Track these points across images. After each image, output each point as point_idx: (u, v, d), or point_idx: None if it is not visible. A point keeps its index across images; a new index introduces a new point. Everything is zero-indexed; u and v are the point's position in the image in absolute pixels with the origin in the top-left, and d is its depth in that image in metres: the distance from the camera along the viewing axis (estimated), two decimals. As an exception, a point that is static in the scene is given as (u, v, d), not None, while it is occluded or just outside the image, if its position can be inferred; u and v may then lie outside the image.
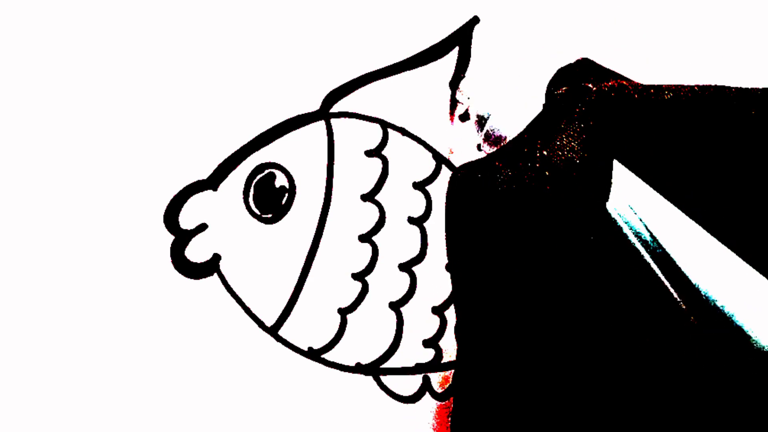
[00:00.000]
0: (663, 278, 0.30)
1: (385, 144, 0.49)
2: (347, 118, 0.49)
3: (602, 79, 0.36)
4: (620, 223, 0.32)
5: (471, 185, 0.34)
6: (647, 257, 0.31)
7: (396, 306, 0.49)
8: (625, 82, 0.36)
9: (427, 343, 0.50)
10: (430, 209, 0.50)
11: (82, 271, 0.45)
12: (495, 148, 0.40)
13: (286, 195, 0.48)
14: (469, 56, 0.50)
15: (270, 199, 0.48)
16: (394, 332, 0.49)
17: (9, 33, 0.44)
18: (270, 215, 0.48)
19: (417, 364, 0.50)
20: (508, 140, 0.39)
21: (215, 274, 0.47)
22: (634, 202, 0.32)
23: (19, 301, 0.44)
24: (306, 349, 0.48)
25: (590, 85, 0.35)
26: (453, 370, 0.50)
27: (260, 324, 0.48)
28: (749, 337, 0.29)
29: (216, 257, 0.47)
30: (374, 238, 0.49)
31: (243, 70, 0.47)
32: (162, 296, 0.46)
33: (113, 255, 0.46)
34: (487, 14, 0.51)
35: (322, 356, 0.48)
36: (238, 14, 0.47)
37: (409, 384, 0.49)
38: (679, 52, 0.52)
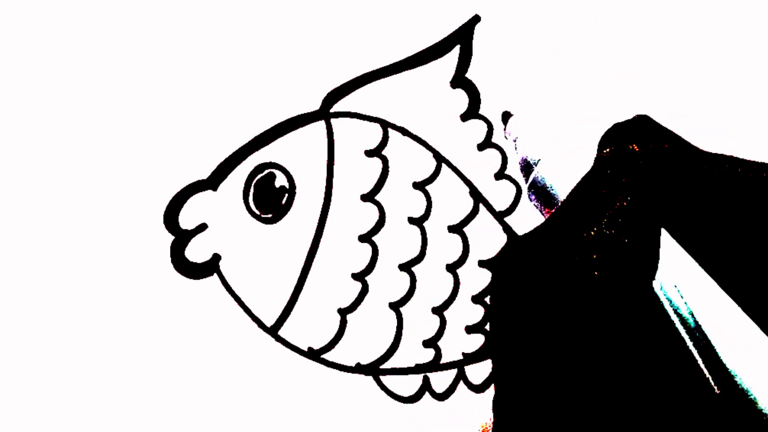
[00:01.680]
0: (702, 365, 0.30)
1: (385, 144, 0.49)
2: (347, 118, 0.49)
3: (656, 140, 0.35)
4: (664, 302, 0.31)
5: (517, 264, 0.33)
6: (688, 341, 0.30)
7: (396, 306, 0.49)
8: (681, 146, 0.34)
9: (427, 343, 0.50)
10: (430, 209, 0.50)
11: (82, 271, 0.45)
12: (540, 200, 0.39)
13: (286, 195, 0.48)
14: (471, 55, 0.50)
15: (270, 199, 0.48)
16: (394, 332, 0.49)
17: (9, 33, 0.44)
18: (270, 215, 0.48)
19: (417, 364, 0.50)
20: (555, 195, 0.38)
21: (215, 274, 0.47)
22: (679, 281, 0.31)
23: (20, 301, 0.44)
24: (306, 349, 0.48)
25: (637, 149, 0.34)
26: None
27: (260, 324, 0.48)
28: None
29: (216, 257, 0.47)
30: (374, 238, 0.49)
31: (243, 70, 0.47)
32: (162, 296, 0.46)
33: (113, 255, 0.46)
34: (488, 14, 0.50)
35: (322, 356, 0.48)
36: (238, 14, 0.47)
37: (409, 384, 0.49)
38: (679, 51, 0.52)
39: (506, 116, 0.45)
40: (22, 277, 0.44)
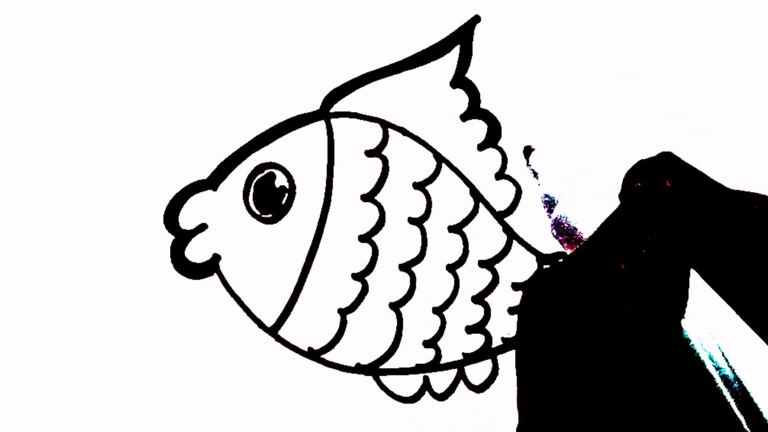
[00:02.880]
0: (735, 408, 0.29)
1: (385, 144, 0.49)
2: (347, 118, 0.49)
3: (682, 177, 0.35)
4: (694, 343, 0.31)
5: (547, 296, 0.33)
6: (720, 383, 0.30)
7: (396, 306, 0.49)
8: (708, 183, 0.34)
9: (427, 343, 0.50)
10: (430, 209, 0.50)
11: (82, 271, 0.45)
12: (563, 236, 0.39)
13: (286, 195, 0.48)
14: (471, 55, 0.50)
15: (270, 199, 0.48)
16: (394, 332, 0.49)
17: (9, 33, 0.44)
18: (270, 215, 0.48)
19: (417, 364, 0.50)
20: (578, 232, 0.38)
21: (215, 274, 0.47)
22: (709, 322, 0.31)
23: (20, 301, 0.44)
24: (306, 349, 0.48)
25: (669, 185, 0.33)
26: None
27: (260, 324, 0.48)
28: None
29: (216, 257, 0.47)
30: (374, 238, 0.49)
31: (243, 70, 0.47)
32: (162, 296, 0.46)
33: (113, 255, 0.46)
34: (488, 14, 0.50)
35: (322, 356, 0.48)
36: (239, 15, 0.47)
37: (409, 384, 0.49)
38: (679, 51, 0.52)
39: (528, 151, 0.45)
40: (22, 277, 0.44)
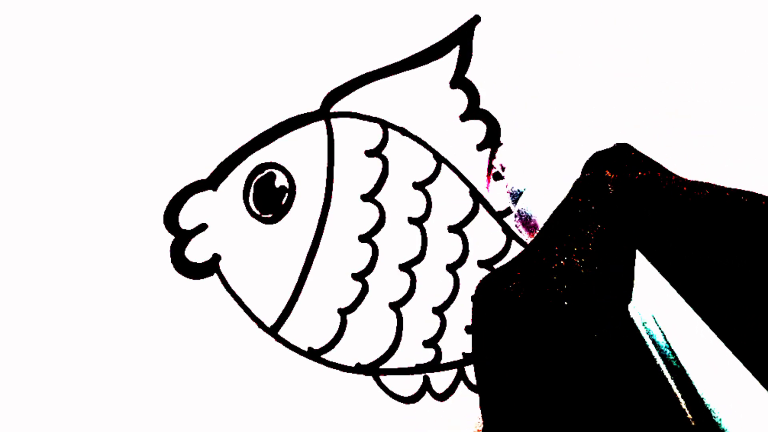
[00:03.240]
0: (677, 393, 0.30)
1: (385, 144, 0.49)
2: (347, 118, 0.49)
3: (636, 168, 0.35)
4: (640, 327, 0.31)
5: (493, 296, 0.33)
6: (663, 367, 0.30)
7: (396, 306, 0.49)
8: (658, 173, 0.34)
9: (427, 343, 0.50)
10: (430, 209, 0.50)
11: (82, 271, 0.45)
12: (525, 228, 0.39)
13: (286, 195, 0.48)
14: (471, 55, 0.50)
15: (270, 199, 0.48)
16: (394, 332, 0.49)
17: (9, 33, 0.44)
18: (270, 215, 0.48)
19: (417, 364, 0.50)
20: (536, 221, 0.38)
21: (215, 274, 0.47)
22: (654, 306, 0.31)
23: (20, 301, 0.44)
24: (306, 349, 0.48)
25: (611, 175, 0.34)
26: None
27: (260, 324, 0.48)
28: None
29: (216, 257, 0.47)
30: (374, 238, 0.49)
31: (243, 70, 0.47)
32: (162, 296, 0.46)
33: (113, 255, 0.46)
34: (488, 14, 0.50)
35: (322, 356, 0.48)
36: (239, 14, 0.47)
37: (409, 384, 0.49)
38: (679, 51, 0.52)
39: (495, 146, 0.45)
40: (22, 277, 0.44)
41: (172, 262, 0.46)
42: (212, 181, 0.47)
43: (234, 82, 0.47)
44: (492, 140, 0.50)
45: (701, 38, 0.52)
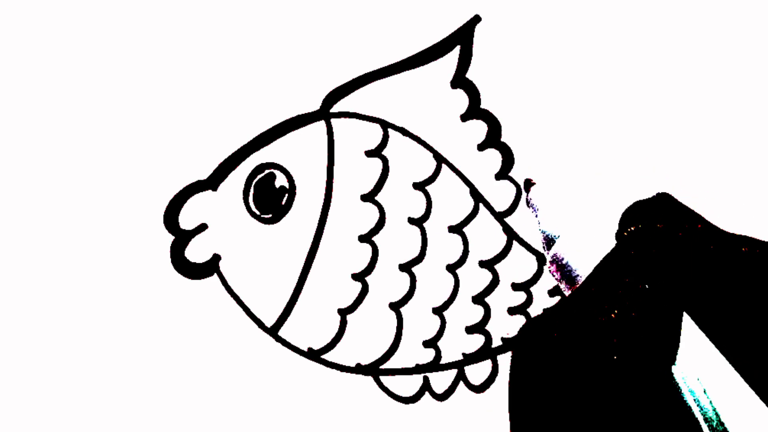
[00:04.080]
0: None
1: (385, 144, 0.49)
2: (347, 118, 0.49)
3: (679, 220, 0.35)
4: (685, 392, 0.31)
5: (536, 343, 0.33)
6: (706, 430, 0.30)
7: (396, 306, 0.49)
8: (699, 225, 0.34)
9: (427, 343, 0.50)
10: (430, 209, 0.50)
11: (82, 271, 0.45)
12: (561, 276, 0.39)
13: (286, 195, 0.48)
14: (471, 55, 0.50)
15: (270, 199, 0.48)
16: (394, 332, 0.49)
17: (9, 33, 0.44)
18: (270, 215, 0.48)
19: (417, 364, 0.50)
20: (575, 272, 0.38)
21: (215, 274, 0.47)
22: (700, 370, 0.31)
23: (20, 301, 0.44)
24: (306, 349, 0.48)
25: (661, 227, 0.33)
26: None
27: (260, 324, 0.48)
28: None
29: (216, 257, 0.47)
30: (374, 239, 0.49)
31: (243, 70, 0.47)
32: (162, 296, 0.46)
33: (113, 255, 0.46)
34: (488, 14, 0.50)
35: (322, 356, 0.48)
36: (239, 14, 0.47)
37: (409, 384, 0.49)
38: (678, 51, 0.52)
39: (528, 184, 0.45)
40: (22, 277, 0.44)
41: (172, 262, 0.46)
42: (212, 181, 0.47)
43: (234, 82, 0.47)
44: (493, 141, 0.50)
45: (701, 38, 0.52)
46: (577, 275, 0.37)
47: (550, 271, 0.39)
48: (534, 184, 0.45)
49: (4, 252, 0.44)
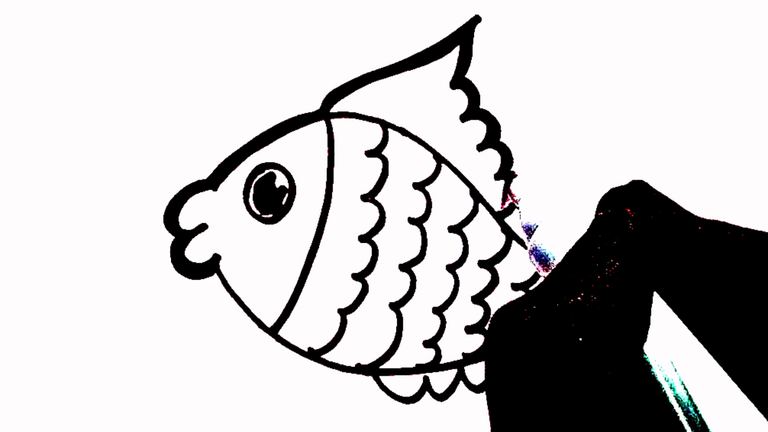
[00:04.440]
0: None
1: (385, 144, 0.49)
2: (347, 118, 0.49)
3: (654, 207, 0.35)
4: (657, 372, 0.31)
5: (509, 327, 0.33)
6: (679, 411, 0.30)
7: (396, 306, 0.49)
8: (674, 212, 0.34)
9: (427, 343, 0.50)
10: (430, 209, 0.50)
11: (82, 271, 0.45)
12: (540, 263, 0.39)
13: (286, 195, 0.48)
14: (471, 56, 0.50)
15: (270, 199, 0.48)
16: (394, 332, 0.49)
17: (9, 33, 0.44)
18: (270, 215, 0.48)
19: (417, 364, 0.50)
20: (551, 259, 0.38)
21: (215, 274, 0.47)
22: (670, 349, 0.31)
23: (20, 300, 0.44)
24: (306, 349, 0.48)
25: (631, 212, 0.34)
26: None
27: (260, 324, 0.48)
28: None
29: (216, 257, 0.47)
30: (374, 239, 0.49)
31: (243, 70, 0.47)
32: (162, 296, 0.46)
33: (113, 255, 0.46)
34: (488, 14, 0.51)
35: (322, 356, 0.48)
36: (239, 14, 0.47)
37: (409, 384, 0.49)
38: (679, 52, 0.52)
39: (510, 176, 0.45)
40: (22, 277, 0.44)
41: (172, 262, 0.46)
42: (212, 181, 0.47)
43: (234, 82, 0.47)
44: (492, 141, 0.50)
45: (701, 38, 0.52)
46: (555, 263, 0.37)
47: (531, 261, 0.39)
48: (516, 176, 0.45)
49: (4, 252, 0.44)
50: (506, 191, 0.46)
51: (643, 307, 0.32)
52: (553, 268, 0.37)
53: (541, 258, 0.38)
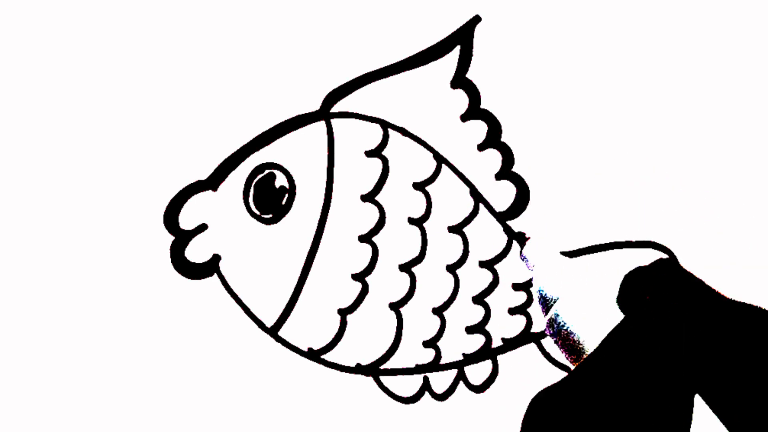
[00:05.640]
0: None
1: (385, 144, 0.49)
2: (347, 118, 0.49)
3: (682, 288, 0.34)
4: None
5: (546, 420, 0.32)
6: None
7: (396, 306, 0.49)
8: (710, 293, 0.33)
9: (427, 343, 0.50)
10: (430, 209, 0.50)
11: (82, 271, 0.45)
12: (559, 339, 0.38)
13: (286, 195, 0.48)
14: (471, 56, 0.50)
15: (270, 200, 0.48)
16: (394, 332, 0.49)
17: (9, 33, 0.44)
18: (270, 215, 0.48)
19: (417, 365, 0.50)
20: (573, 336, 0.37)
21: (215, 275, 0.47)
22: None
23: (20, 301, 0.44)
24: (306, 349, 0.48)
25: (674, 302, 0.32)
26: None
27: (260, 324, 0.48)
28: None
29: (216, 257, 0.47)
30: (374, 239, 0.49)
31: (243, 70, 0.47)
32: (162, 296, 0.46)
33: (113, 255, 0.46)
34: (488, 14, 0.50)
35: (322, 357, 0.48)
36: (239, 14, 0.47)
37: (409, 384, 0.49)
38: (679, 51, 0.52)
39: (521, 238, 0.45)
40: (22, 277, 0.44)
41: (172, 262, 0.46)
42: (212, 181, 0.47)
43: (234, 82, 0.47)
44: (493, 141, 0.50)
45: (701, 38, 0.52)
46: (578, 341, 0.36)
47: (547, 332, 0.39)
48: (528, 239, 0.45)
49: (5, 252, 0.44)
50: (521, 252, 0.46)
51: (685, 407, 0.31)
52: (573, 345, 0.37)
53: (562, 333, 0.37)
